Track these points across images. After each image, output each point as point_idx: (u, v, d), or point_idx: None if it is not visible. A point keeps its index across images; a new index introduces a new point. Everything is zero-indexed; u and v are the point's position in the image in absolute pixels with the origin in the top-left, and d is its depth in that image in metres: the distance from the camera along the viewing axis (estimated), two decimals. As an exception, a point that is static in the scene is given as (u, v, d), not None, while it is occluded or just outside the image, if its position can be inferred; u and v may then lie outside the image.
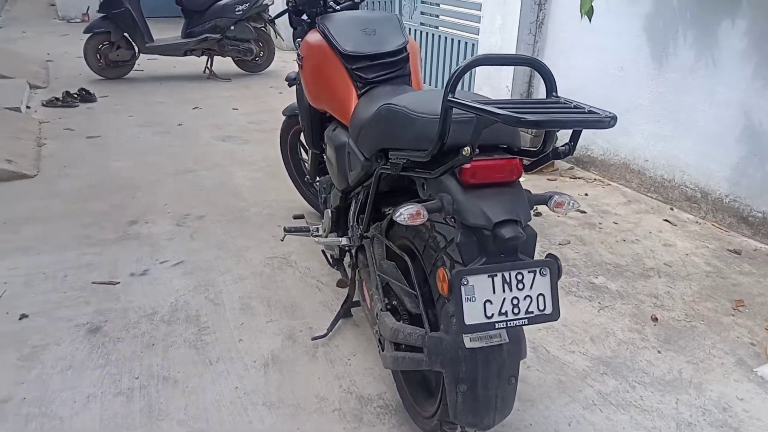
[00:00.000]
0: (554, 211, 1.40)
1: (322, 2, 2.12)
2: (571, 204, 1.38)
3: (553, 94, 1.31)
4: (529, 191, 1.40)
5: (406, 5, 5.85)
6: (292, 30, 2.37)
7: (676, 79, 3.25)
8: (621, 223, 3.16)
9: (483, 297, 1.25)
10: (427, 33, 5.55)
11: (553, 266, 1.30)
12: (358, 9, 2.33)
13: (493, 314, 1.25)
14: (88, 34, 5.58)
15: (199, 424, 1.76)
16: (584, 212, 3.27)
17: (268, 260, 2.66)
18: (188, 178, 3.58)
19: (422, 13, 5.59)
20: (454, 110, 1.24)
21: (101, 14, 5.53)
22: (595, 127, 1.14)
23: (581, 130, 1.26)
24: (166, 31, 6.67)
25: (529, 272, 1.29)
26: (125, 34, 5.64)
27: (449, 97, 1.22)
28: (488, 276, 1.26)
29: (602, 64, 3.65)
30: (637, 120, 3.50)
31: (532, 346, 2.14)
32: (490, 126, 1.20)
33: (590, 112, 1.17)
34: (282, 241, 2.52)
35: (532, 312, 1.28)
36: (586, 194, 3.52)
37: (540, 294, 1.29)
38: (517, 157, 1.35)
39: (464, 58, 4.94)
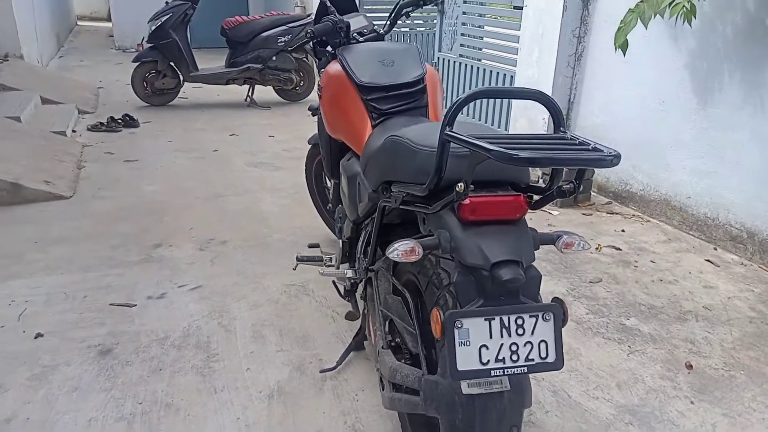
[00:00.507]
0: (563, 252, 1.31)
1: (343, 33, 2.11)
2: (580, 245, 1.29)
3: (561, 129, 1.23)
4: (535, 230, 1.32)
5: (446, 37, 5.87)
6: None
7: (721, 115, 3.09)
8: (659, 261, 2.99)
9: (479, 342, 1.16)
10: (465, 65, 5.54)
11: (557, 311, 1.21)
12: (382, 40, 2.31)
13: (489, 360, 1.16)
14: (137, 63, 5.80)
15: (195, 455, 1.70)
16: (619, 249, 3.12)
17: (285, 288, 2.62)
18: (217, 203, 3.61)
19: (461, 45, 5.60)
20: (454, 144, 1.18)
21: (150, 44, 5.74)
22: (595, 166, 1.07)
23: (585, 168, 1.19)
24: (212, 60, 6.89)
25: (530, 317, 1.19)
26: (171, 63, 5.84)
27: (446, 131, 1.16)
28: (485, 319, 1.17)
29: (642, 99, 3.52)
30: (680, 156, 3.34)
31: (552, 389, 2.01)
32: (490, 161, 1.13)
33: (594, 149, 1.10)
34: (294, 270, 2.47)
35: (533, 360, 1.18)
36: (623, 230, 3.36)
37: (542, 340, 1.19)
38: (522, 194, 1.27)
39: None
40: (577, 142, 1.14)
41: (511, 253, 1.19)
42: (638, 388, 2.04)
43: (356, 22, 2.34)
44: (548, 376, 2.08)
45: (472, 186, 1.18)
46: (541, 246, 1.30)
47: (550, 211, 3.60)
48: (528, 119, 4.27)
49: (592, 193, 3.88)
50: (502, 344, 1.17)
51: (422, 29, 8.04)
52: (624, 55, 3.05)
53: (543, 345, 1.19)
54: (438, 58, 5.97)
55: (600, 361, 2.19)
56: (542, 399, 1.98)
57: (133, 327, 2.31)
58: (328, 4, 2.19)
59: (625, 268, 2.91)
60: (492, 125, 5.29)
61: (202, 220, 3.33)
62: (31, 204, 3.44)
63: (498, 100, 5.22)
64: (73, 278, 2.65)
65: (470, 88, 5.39)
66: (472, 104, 5.42)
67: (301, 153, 4.61)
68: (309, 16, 6.15)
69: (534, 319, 1.20)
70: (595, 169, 3.69)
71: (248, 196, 3.73)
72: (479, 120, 5.45)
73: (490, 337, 1.17)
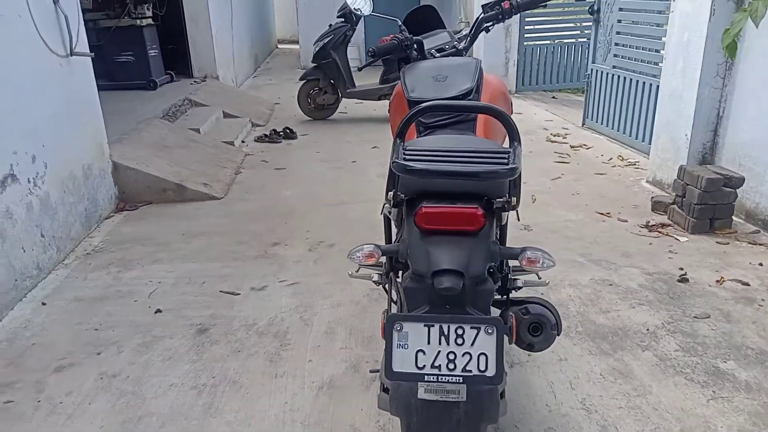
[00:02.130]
0: (526, 269, 1.28)
1: (415, 51, 2.21)
2: (545, 262, 1.25)
3: (515, 143, 1.22)
4: (498, 243, 1.30)
5: (600, 47, 5.59)
6: None
7: None
8: (794, 302, 2.57)
9: (416, 346, 1.20)
10: (618, 76, 5.22)
11: (500, 325, 1.19)
12: (461, 56, 2.37)
13: (425, 366, 1.19)
14: (302, 81, 6.44)
15: (241, 427, 1.94)
16: (747, 285, 2.74)
17: (370, 291, 2.78)
18: (339, 209, 3.91)
19: (615, 56, 5.29)
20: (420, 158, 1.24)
21: (314, 64, 6.35)
22: (484, 179, 1.08)
23: (517, 184, 1.18)
24: (371, 78, 7.34)
25: (471, 328, 1.20)
26: (331, 81, 6.38)
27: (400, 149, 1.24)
28: (424, 325, 1.21)
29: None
30: (842, 179, 2.83)
31: (602, 424, 1.89)
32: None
33: (501, 164, 1.11)
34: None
35: (470, 371, 1.19)
36: (761, 264, 2.93)
37: (482, 353, 1.19)
38: (479, 207, 1.27)
39: (651, 101, 4.53)
40: (501, 156, 1.16)
41: (453, 263, 1.21)
42: (706, 437, 1.82)
43: (437, 39, 2.43)
44: (602, 409, 1.96)
45: (402, 195, 1.24)
46: (508, 260, 1.29)
47: (677, 238, 3.27)
48: (670, 136, 3.90)
49: (738, 220, 3.42)
50: (439, 351, 1.20)
51: (583, 40, 7.69)
52: (732, 58, 2.68)
53: (483, 358, 1.19)
54: (592, 69, 5.71)
55: (671, 403, 1.98)
56: (586, 430, 1.87)
57: (231, 312, 2.65)
58: (400, 22, 2.31)
59: (745, 306, 2.56)
60: (637, 140, 4.92)
61: (320, 224, 3.64)
62: (190, 202, 4.06)
63: (640, 116, 4.86)
64: (200, 266, 3.10)
65: (626, 102, 5.07)
66: (625, 117, 5.11)
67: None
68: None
69: (475, 331, 1.20)
70: (739, 193, 3.27)
71: (369, 205, 3.96)
72: (628, 135, 5.10)
73: (428, 343, 1.20)
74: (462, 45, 2.41)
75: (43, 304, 2.74)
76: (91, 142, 3.65)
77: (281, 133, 5.81)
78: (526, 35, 7.95)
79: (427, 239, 1.28)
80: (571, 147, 5.27)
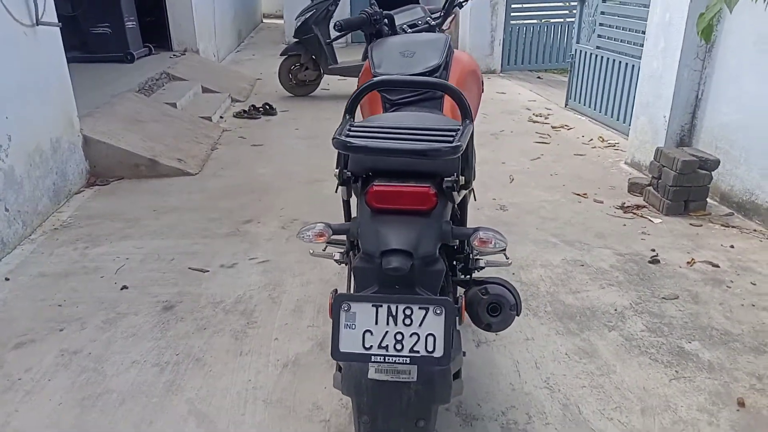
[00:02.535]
0: (476, 249, 1.26)
1: (385, 26, 2.15)
2: (497, 243, 1.23)
3: (466, 120, 1.19)
4: (451, 224, 1.28)
5: (585, 28, 5.54)
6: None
7: None
8: (761, 285, 2.59)
9: (364, 326, 1.18)
10: (602, 57, 5.19)
11: (449, 306, 1.17)
12: (433, 32, 2.32)
13: (372, 346, 1.17)
14: (284, 57, 6.33)
15: (201, 405, 1.91)
16: (717, 266, 2.75)
17: (341, 270, 2.75)
18: (314, 186, 3.86)
19: (599, 36, 5.24)
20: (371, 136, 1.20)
21: (295, 39, 6.23)
22: (425, 157, 1.05)
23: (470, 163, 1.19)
24: (354, 54, 7.24)
25: (420, 308, 1.17)
26: (313, 57, 6.27)
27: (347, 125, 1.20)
28: (372, 305, 1.18)
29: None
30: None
31: (564, 402, 1.89)
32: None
33: (445, 141, 1.08)
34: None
35: (418, 351, 1.17)
36: (732, 246, 2.95)
37: (430, 334, 1.17)
38: (431, 186, 1.24)
39: (634, 83, 4.50)
40: (449, 134, 1.13)
41: (401, 243, 1.19)
42: (665, 417, 1.83)
43: (410, 14, 2.38)
44: (565, 388, 1.96)
45: (348, 173, 1.21)
46: (458, 240, 1.27)
47: (651, 219, 3.27)
48: (649, 117, 3.88)
49: (712, 202, 3.43)
50: (387, 332, 1.18)
51: (571, 19, 7.62)
52: (708, 42, 2.66)
53: (431, 338, 1.17)
54: (576, 50, 5.66)
55: (633, 382, 1.99)
56: (548, 409, 1.87)
57: (198, 290, 2.61)
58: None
59: (713, 288, 2.57)
60: (618, 121, 4.91)
61: (294, 202, 3.60)
62: (163, 178, 3.99)
63: (622, 97, 4.84)
64: (169, 243, 3.05)
65: (609, 83, 5.04)
66: (607, 97, 5.08)
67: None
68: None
69: (423, 311, 1.18)
70: (714, 175, 3.27)
71: (345, 183, 3.92)
72: (609, 116, 5.09)
73: (376, 323, 1.18)
74: (435, 21, 2.35)
75: (6, 279, 2.69)
76: (59, 114, 3.55)
77: (260, 109, 5.72)
78: (512, 14, 7.88)
79: (378, 218, 1.25)
80: (553, 128, 5.24)
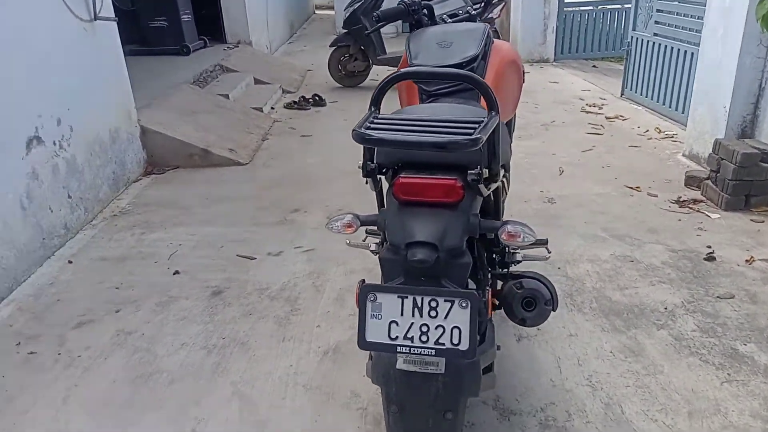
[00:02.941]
0: (505, 243, 1.25)
1: (425, 16, 2.14)
2: (526, 237, 1.21)
3: (492, 112, 1.18)
4: (478, 217, 1.26)
5: (641, 14, 5.34)
6: None
7: None
8: (826, 285, 2.45)
9: (390, 317, 1.19)
10: (659, 44, 4.99)
11: (474, 299, 1.16)
12: (474, 21, 2.29)
13: (397, 337, 1.18)
14: (333, 48, 6.38)
15: (245, 388, 1.98)
16: (778, 265, 2.62)
17: (384, 260, 2.77)
18: (360, 177, 3.87)
19: (656, 22, 5.04)
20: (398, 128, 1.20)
21: (344, 30, 6.26)
22: (444, 149, 1.04)
23: (497, 156, 1.20)
24: (403, 44, 7.21)
25: (445, 301, 1.17)
26: (362, 48, 6.29)
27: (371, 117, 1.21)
28: (398, 296, 1.19)
29: None
30: None
31: (606, 401, 1.85)
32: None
33: (464, 134, 1.06)
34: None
35: (443, 344, 1.17)
36: (796, 244, 2.80)
37: (455, 326, 1.17)
38: (458, 178, 1.23)
39: (693, 71, 4.31)
40: (471, 126, 1.11)
41: (426, 235, 1.19)
42: (714, 421, 1.77)
43: (450, 4, 2.36)
44: (608, 387, 1.92)
45: (373, 164, 1.25)
46: (487, 234, 1.27)
47: (709, 214, 3.14)
48: (708, 105, 3.71)
49: (776, 197, 3.26)
50: (412, 323, 1.18)
51: (629, 6, 7.35)
52: (766, 31, 2.52)
53: (456, 331, 1.17)
54: (632, 37, 5.47)
55: (681, 384, 1.93)
56: (589, 407, 1.84)
57: (245, 276, 2.68)
58: None
59: (773, 287, 2.45)
60: (677, 111, 4.72)
61: (341, 192, 3.64)
62: (216, 167, 4.11)
63: (681, 86, 4.65)
64: (219, 230, 3.15)
65: (667, 71, 4.85)
66: (666, 86, 4.89)
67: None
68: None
69: (449, 304, 1.17)
70: (777, 169, 3.11)
71: (391, 174, 3.93)
72: (667, 106, 4.90)
73: (402, 314, 1.19)
74: (476, 11, 2.32)
75: (70, 262, 2.84)
76: (117, 105, 3.71)
77: (310, 100, 5.79)
78: (566, 1, 7.66)
79: (404, 210, 1.26)
80: (607, 118, 5.09)
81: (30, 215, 2.73)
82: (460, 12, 2.35)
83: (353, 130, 1.10)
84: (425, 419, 1.26)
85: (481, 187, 1.24)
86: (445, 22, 2.28)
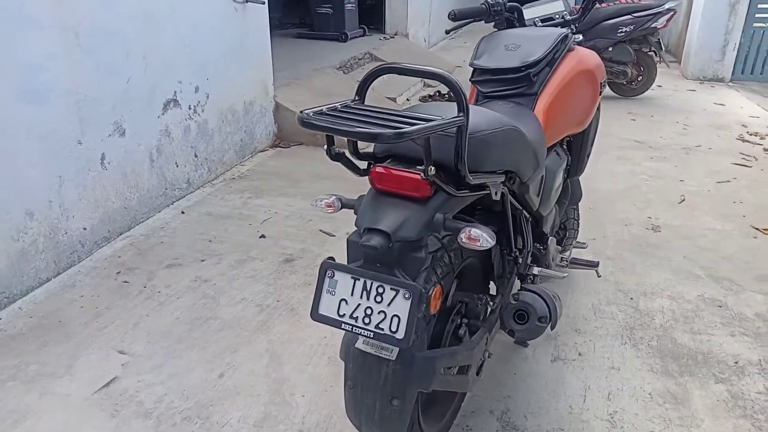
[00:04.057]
0: (464, 245, 1.23)
1: (496, 15, 2.10)
2: (486, 241, 1.19)
3: (461, 113, 1.16)
4: (447, 217, 1.26)
5: None
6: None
7: None
8: None
9: (342, 295, 1.26)
10: None
11: (416, 292, 1.18)
12: (567, 27, 2.20)
13: (344, 314, 1.24)
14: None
15: (278, 347, 2.16)
16: None
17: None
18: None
19: None
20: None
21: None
22: (366, 140, 1.07)
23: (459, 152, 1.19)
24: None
25: (391, 289, 1.21)
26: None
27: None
28: (352, 277, 1.25)
29: None
30: None
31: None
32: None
33: (390, 126, 1.08)
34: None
35: (382, 329, 1.20)
36: None
37: (395, 315, 1.20)
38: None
39: None
40: (417, 122, 1.12)
41: (382, 223, 1.23)
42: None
43: (547, 7, 2.29)
44: (630, 428, 1.79)
45: (337, 150, 1.30)
46: (449, 234, 1.27)
47: (843, 272, 2.69)
48: None
49: None
50: (359, 304, 1.23)
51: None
52: None
53: (395, 319, 1.20)
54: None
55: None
56: None
57: (319, 250, 2.87)
58: None
59: None
60: None
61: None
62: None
63: None
64: (314, 206, 3.37)
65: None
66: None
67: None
68: (662, 5, 5.60)
69: (394, 293, 1.21)
70: None
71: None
72: None
73: (352, 294, 1.24)
74: (572, 17, 2.23)
75: (182, 212, 3.25)
76: (256, 81, 4.10)
77: (445, 96, 5.86)
78: (757, 15, 6.81)
79: (376, 198, 1.30)
80: (765, 150, 4.50)
81: (156, 167, 3.18)
82: (557, 16, 2.27)
83: (297, 114, 1.16)
84: (373, 401, 1.31)
85: (445, 186, 1.23)
86: (535, 26, 2.22)
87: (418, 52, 7.75)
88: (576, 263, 2.28)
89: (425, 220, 1.25)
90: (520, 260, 1.68)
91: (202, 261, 2.75)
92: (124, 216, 2.98)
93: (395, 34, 7.77)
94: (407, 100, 5.84)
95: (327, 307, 1.28)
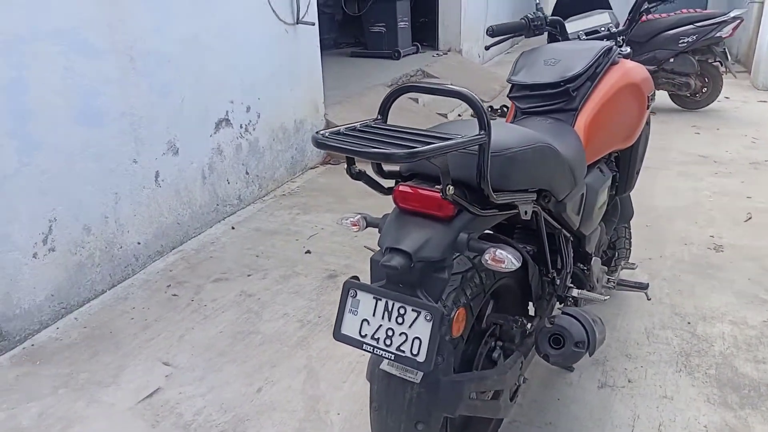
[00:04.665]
0: (488, 266, 1.18)
1: (536, 30, 2.05)
2: (511, 262, 1.14)
3: (483, 131, 1.12)
4: (471, 237, 1.22)
5: None
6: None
7: None
8: None
9: (364, 315, 1.23)
10: None
11: (437, 314, 1.14)
12: (613, 39, 2.12)
13: (366, 335, 1.22)
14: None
15: (316, 364, 2.16)
16: None
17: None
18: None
19: None
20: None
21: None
22: (379, 160, 1.06)
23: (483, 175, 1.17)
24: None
25: (413, 311, 1.17)
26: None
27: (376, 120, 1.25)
28: (374, 297, 1.23)
29: None
30: None
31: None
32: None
33: (402, 146, 1.06)
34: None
35: (403, 351, 1.17)
36: None
37: (417, 337, 1.16)
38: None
39: None
40: (433, 141, 1.08)
41: (403, 243, 1.20)
42: None
43: (592, 20, 2.22)
44: (679, 462, 1.67)
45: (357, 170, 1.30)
46: (471, 253, 1.23)
47: None
48: None
49: None
50: (380, 325, 1.21)
51: None
52: None
53: (417, 341, 1.16)
54: None
55: (778, 485, 1.60)
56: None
57: (362, 266, 2.86)
58: (537, 1, 2.17)
59: None
60: None
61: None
62: (383, 165, 4.38)
63: None
64: (360, 222, 3.38)
65: None
66: None
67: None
68: (728, 13, 5.34)
69: (416, 314, 1.17)
70: None
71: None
72: None
73: (374, 315, 1.22)
74: (617, 29, 2.14)
75: (232, 228, 3.33)
76: (306, 100, 4.18)
77: (498, 111, 5.79)
78: (836, 21, 6.39)
79: (400, 217, 1.28)
80: None
81: (208, 184, 3.27)
82: (602, 30, 2.19)
83: (312, 136, 1.15)
84: (398, 424, 1.27)
85: (468, 205, 1.19)
86: (579, 39, 2.16)
87: (470, 67, 7.71)
88: (624, 285, 2.17)
89: (449, 240, 1.22)
90: (558, 281, 1.62)
91: (249, 276, 2.80)
92: (177, 231, 3.08)
93: (448, 51, 7.77)
94: (459, 115, 5.80)
95: (349, 327, 1.26)
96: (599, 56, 1.81)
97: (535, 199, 1.42)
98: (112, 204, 2.66)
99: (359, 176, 1.29)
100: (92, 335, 2.36)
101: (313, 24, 4.00)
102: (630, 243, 2.48)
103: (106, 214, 2.64)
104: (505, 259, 1.17)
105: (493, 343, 1.53)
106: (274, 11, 3.65)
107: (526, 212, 1.37)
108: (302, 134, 4.15)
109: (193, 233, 3.19)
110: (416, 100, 5.56)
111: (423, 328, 1.17)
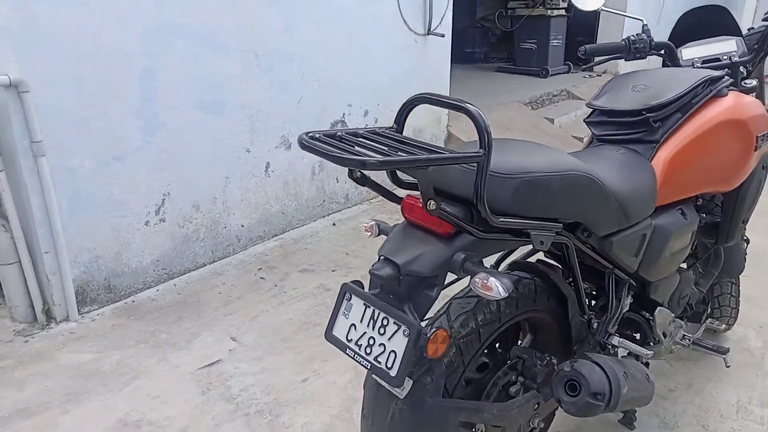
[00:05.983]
0: (477, 291, 1.11)
1: (636, 53, 1.87)
2: (500, 289, 1.06)
3: (482, 149, 1.05)
4: (467, 257, 1.14)
5: None
6: None
7: None
8: None
9: (353, 320, 1.23)
10: None
11: (414, 330, 1.10)
12: (733, 70, 1.87)
13: (351, 340, 1.21)
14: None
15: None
16: None
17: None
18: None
19: None
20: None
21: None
22: (347, 165, 0.99)
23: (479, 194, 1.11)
24: None
25: (394, 323, 1.15)
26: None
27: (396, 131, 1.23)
28: (364, 304, 1.22)
29: None
30: None
31: None
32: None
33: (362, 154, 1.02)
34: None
35: (379, 362, 1.14)
36: None
37: (393, 350, 1.13)
38: None
39: None
40: (439, 152, 1.04)
41: (396, 255, 1.16)
42: None
43: (714, 47, 1.97)
44: None
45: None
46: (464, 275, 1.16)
47: None
48: None
49: None
50: (365, 332, 1.19)
51: None
52: None
53: (392, 355, 1.13)
54: None
55: None
56: None
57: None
58: (644, 22, 1.97)
59: None
60: None
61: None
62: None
63: None
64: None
65: None
66: None
67: None
68: None
69: (396, 327, 1.14)
70: None
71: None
72: None
73: (361, 321, 1.21)
74: (741, 59, 1.88)
75: (333, 224, 3.48)
76: (429, 110, 4.22)
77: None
78: None
79: (405, 229, 1.25)
80: None
81: (317, 180, 3.45)
82: (723, 58, 1.95)
83: (299, 138, 1.14)
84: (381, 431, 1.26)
85: (465, 224, 1.12)
86: (693, 67, 1.94)
87: (625, 92, 7.21)
88: (700, 345, 1.91)
89: (443, 258, 1.18)
90: (596, 325, 1.48)
91: (333, 271, 2.91)
92: (281, 220, 3.29)
93: (603, 72, 7.34)
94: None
95: (339, 330, 1.27)
96: (696, 86, 1.62)
97: (561, 230, 1.32)
98: (221, 187, 2.92)
99: (363, 181, 1.29)
100: (183, 301, 2.62)
101: (443, 36, 4.03)
102: (737, 302, 2.18)
103: (215, 195, 2.90)
104: (493, 286, 1.10)
105: (514, 377, 1.45)
106: (405, 22, 3.74)
107: (542, 242, 1.28)
108: (421, 143, 4.20)
109: (296, 224, 3.39)
110: (552, 121, 5.35)
111: (400, 343, 1.15)
